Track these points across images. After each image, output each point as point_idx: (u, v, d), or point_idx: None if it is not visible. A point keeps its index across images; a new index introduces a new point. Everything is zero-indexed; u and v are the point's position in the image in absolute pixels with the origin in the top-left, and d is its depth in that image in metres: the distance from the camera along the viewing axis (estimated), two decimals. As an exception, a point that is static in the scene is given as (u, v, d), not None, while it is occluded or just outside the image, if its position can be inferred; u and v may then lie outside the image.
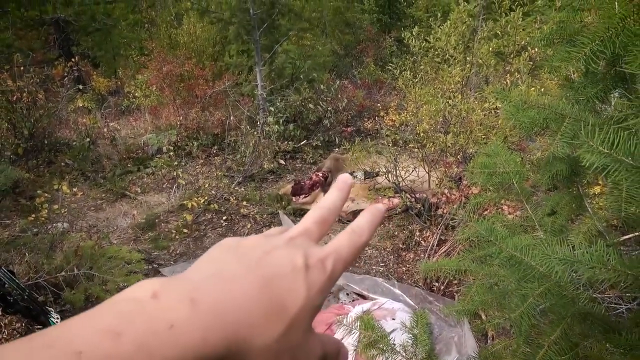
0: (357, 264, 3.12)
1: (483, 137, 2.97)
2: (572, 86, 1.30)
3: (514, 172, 1.27)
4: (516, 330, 1.29)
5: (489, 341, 2.35)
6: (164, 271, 2.86)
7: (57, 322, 2.07)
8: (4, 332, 2.16)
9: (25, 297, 2.05)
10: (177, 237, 3.39)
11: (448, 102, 3.10)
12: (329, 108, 5.62)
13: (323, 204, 0.37)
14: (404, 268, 2.99)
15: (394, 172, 3.43)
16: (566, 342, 0.87)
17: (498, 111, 3.08)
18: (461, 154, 3.29)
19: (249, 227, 3.62)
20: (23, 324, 2.19)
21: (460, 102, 3.02)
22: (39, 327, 2.13)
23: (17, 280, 2.08)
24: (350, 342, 2.19)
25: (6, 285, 2.04)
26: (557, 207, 1.32)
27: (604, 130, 0.63)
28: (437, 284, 2.76)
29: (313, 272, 0.31)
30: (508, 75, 3.22)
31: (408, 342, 1.16)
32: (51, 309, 2.16)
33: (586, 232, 1.11)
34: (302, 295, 0.29)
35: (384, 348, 1.12)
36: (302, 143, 5.26)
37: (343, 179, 0.38)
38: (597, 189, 1.83)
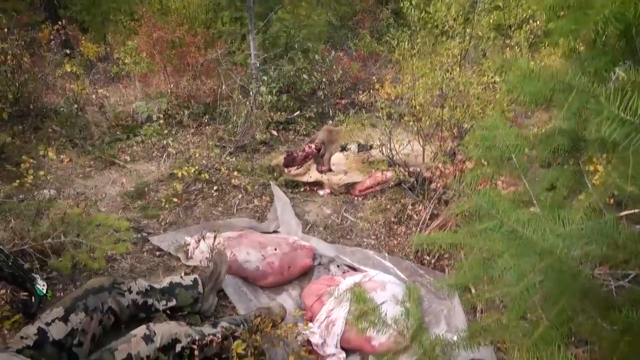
0: (348, 237, 3.11)
1: (480, 111, 2.92)
2: (579, 58, 1.25)
3: (513, 145, 1.23)
4: (511, 306, 1.28)
5: (477, 315, 2.37)
6: (153, 240, 2.83)
7: (43, 289, 2.05)
8: (-11, 298, 2.13)
9: (10, 263, 2.01)
10: (167, 206, 3.34)
11: (445, 75, 3.04)
12: (324, 79, 5.52)
13: None
14: (395, 241, 2.98)
15: (388, 145, 3.38)
16: (563, 318, 0.85)
17: (496, 85, 3.04)
18: (457, 129, 3.25)
19: (240, 197, 3.58)
20: (8, 291, 2.15)
21: (458, 75, 2.96)
22: (24, 294, 2.10)
23: (1, 247, 2.04)
24: (341, 313, 2.19)
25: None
26: (557, 182, 1.29)
27: (624, 96, 0.58)
28: (428, 257, 2.77)
29: None
30: (508, 49, 3.16)
31: (399, 314, 1.15)
32: (37, 276, 2.13)
33: (586, 207, 1.09)
34: None
35: (375, 320, 1.11)
36: (295, 114, 5.18)
37: None
38: (599, 168, 1.80)
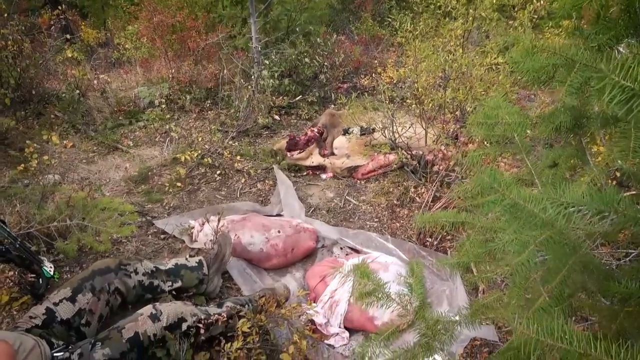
0: (351, 220, 3.13)
1: (482, 92, 2.91)
2: (582, 34, 1.25)
3: (516, 123, 1.23)
4: (512, 282, 1.30)
5: (479, 294, 2.39)
6: (158, 223, 2.85)
7: (50, 270, 2.07)
8: (-3, 280, 2.16)
9: (18, 246, 2.04)
10: (171, 190, 3.36)
11: (448, 57, 3.02)
12: (325, 63, 5.49)
13: None
14: (397, 224, 3.00)
15: (391, 129, 3.38)
16: (563, 292, 0.86)
17: (499, 67, 3.02)
18: (459, 111, 3.24)
19: (243, 181, 3.59)
20: (16, 272, 2.19)
21: (461, 56, 2.94)
22: (32, 276, 2.13)
23: (8, 230, 2.06)
24: (344, 294, 2.22)
25: (-5, 235, 2.02)
26: (559, 159, 1.29)
27: (624, 66, 0.59)
28: (430, 239, 2.78)
29: None
30: (511, 30, 3.13)
31: (403, 290, 1.17)
32: (44, 258, 2.16)
33: (589, 183, 1.10)
34: None
35: (380, 296, 1.12)
36: (297, 98, 5.17)
37: None
38: (601, 149, 1.80)
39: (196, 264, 2.23)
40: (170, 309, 1.77)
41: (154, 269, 2.09)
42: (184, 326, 1.77)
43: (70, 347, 1.60)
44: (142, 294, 2.03)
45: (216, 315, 1.87)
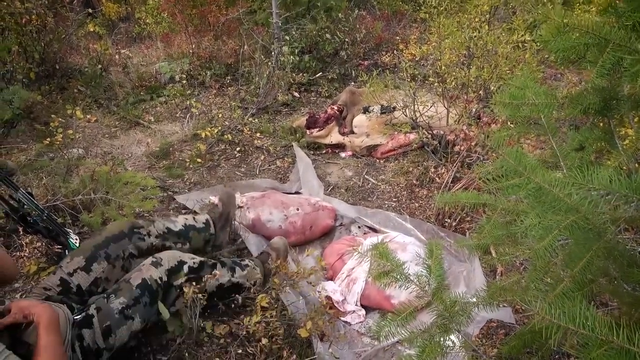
0: (369, 199, 3.13)
1: (508, 71, 2.84)
2: (616, 12, 1.19)
3: (543, 104, 1.20)
4: (532, 266, 1.29)
5: (497, 277, 2.38)
6: (179, 198, 2.90)
7: (76, 242, 2.13)
8: (25, 250, 2.24)
9: (45, 217, 2.10)
10: (191, 166, 3.40)
11: (473, 34, 2.94)
12: (346, 39, 5.40)
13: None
14: (416, 204, 2.99)
15: (412, 107, 3.33)
16: (585, 277, 0.85)
17: (526, 45, 2.93)
18: (483, 90, 3.17)
19: (262, 158, 3.61)
20: (43, 244, 2.26)
21: (487, 33, 2.86)
22: (58, 247, 2.20)
23: (36, 202, 2.12)
24: (361, 272, 2.24)
25: (25, 206, 2.07)
26: (586, 142, 1.26)
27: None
28: (449, 220, 2.77)
29: None
30: (540, 5, 3.02)
31: (422, 271, 1.17)
32: (70, 230, 2.22)
33: (616, 167, 1.07)
34: None
35: (398, 277, 1.13)
36: (317, 75, 5.12)
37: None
38: (630, 132, 1.75)
39: (203, 225, 2.24)
40: (168, 255, 1.83)
41: (166, 230, 2.08)
42: (185, 268, 1.81)
43: (85, 307, 1.64)
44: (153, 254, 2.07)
45: (213, 260, 1.94)
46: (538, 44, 2.86)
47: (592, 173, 0.82)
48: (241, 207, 2.64)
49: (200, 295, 1.72)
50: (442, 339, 1.15)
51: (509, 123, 2.76)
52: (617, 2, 1.25)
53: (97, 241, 1.85)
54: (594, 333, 0.58)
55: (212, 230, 2.26)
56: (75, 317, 1.56)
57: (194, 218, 2.26)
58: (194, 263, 1.86)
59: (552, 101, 1.23)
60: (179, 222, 2.17)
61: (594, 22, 0.90)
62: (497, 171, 1.15)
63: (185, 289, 1.71)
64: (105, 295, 1.65)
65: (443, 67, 3.15)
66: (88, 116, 4.07)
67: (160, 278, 1.73)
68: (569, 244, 1.09)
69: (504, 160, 0.89)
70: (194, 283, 1.75)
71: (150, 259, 1.79)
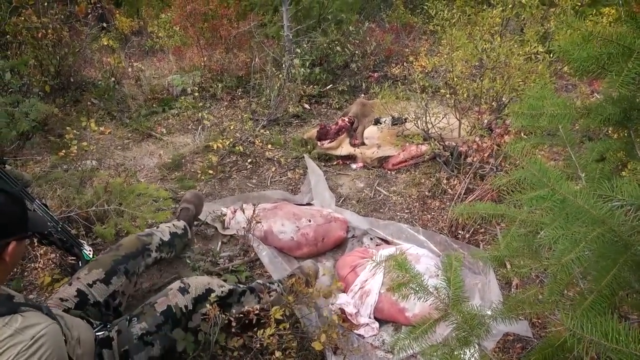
0: (381, 210, 3.11)
1: (521, 83, 2.83)
2: (636, 22, 1.19)
3: (562, 114, 1.19)
4: (552, 279, 1.26)
5: (512, 289, 2.35)
6: (191, 210, 2.90)
7: (89, 254, 2.14)
8: (40, 261, 2.25)
9: (59, 229, 2.10)
10: (203, 177, 3.42)
11: (486, 45, 2.93)
12: (356, 52, 5.43)
13: None
14: (429, 215, 2.96)
15: (424, 119, 3.33)
16: (612, 291, 0.83)
17: (538, 56, 2.92)
18: (495, 102, 3.16)
19: (273, 170, 3.61)
20: (57, 255, 2.27)
21: (499, 45, 2.86)
22: (72, 258, 2.21)
23: (50, 213, 2.13)
24: (375, 284, 2.21)
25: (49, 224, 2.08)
26: (606, 153, 1.24)
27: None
28: (462, 232, 2.74)
29: None
30: (552, 17, 3.02)
31: (441, 283, 1.15)
32: (84, 241, 2.23)
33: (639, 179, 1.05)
34: None
35: (416, 288, 1.11)
36: (327, 87, 5.14)
37: None
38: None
39: (183, 231, 2.34)
40: (197, 282, 1.81)
41: (160, 242, 2.15)
42: (213, 296, 1.79)
43: (108, 325, 1.65)
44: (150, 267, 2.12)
45: (243, 287, 1.91)
46: (552, 56, 2.85)
47: (618, 184, 0.81)
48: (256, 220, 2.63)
49: (222, 316, 1.71)
50: (461, 352, 1.13)
51: (522, 134, 2.75)
52: (635, 12, 1.24)
53: (116, 256, 1.88)
54: (627, 348, 0.57)
55: (189, 235, 2.39)
56: (97, 334, 1.56)
57: (173, 225, 2.35)
58: (222, 292, 1.82)
59: (571, 112, 1.22)
60: (166, 232, 2.24)
61: (618, 32, 0.89)
62: (519, 181, 1.13)
63: (210, 313, 1.69)
64: (127, 317, 1.65)
65: (455, 79, 3.15)
66: (101, 128, 4.12)
67: (186, 307, 1.70)
68: (587, 256, 1.07)
69: (526, 170, 0.88)
70: (219, 310, 1.71)
71: (178, 284, 1.76)
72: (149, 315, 1.65)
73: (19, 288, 2.22)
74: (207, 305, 1.71)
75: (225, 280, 2.09)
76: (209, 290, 1.79)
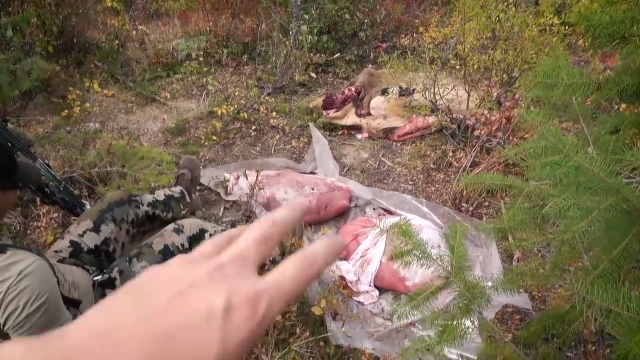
0: (385, 181, 3.09)
1: (533, 54, 2.75)
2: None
3: (578, 84, 1.15)
4: (555, 251, 1.25)
5: (514, 262, 2.35)
6: (194, 175, 2.89)
7: (91, 214, 2.13)
8: (42, 220, 2.25)
9: (62, 188, 2.10)
10: (206, 143, 3.39)
11: (499, 16, 2.85)
12: (366, 20, 5.31)
13: (268, 218, 0.31)
14: (433, 188, 2.95)
15: (432, 90, 3.27)
16: (623, 262, 0.82)
17: (553, 28, 2.83)
18: (506, 75, 3.09)
19: (277, 138, 3.58)
20: (60, 215, 2.27)
21: (514, 15, 2.77)
22: (74, 218, 2.21)
23: (53, 173, 2.13)
24: (376, 253, 2.22)
25: (43, 177, 2.08)
26: (621, 125, 1.21)
27: None
28: (465, 205, 2.73)
29: (236, 317, 0.25)
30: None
31: (444, 251, 1.14)
32: (86, 202, 2.23)
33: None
34: (214, 351, 0.23)
35: (420, 255, 1.10)
36: (335, 56, 5.05)
37: (300, 202, 0.34)
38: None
39: (179, 195, 2.33)
40: (190, 222, 1.88)
41: (153, 200, 2.15)
42: (207, 236, 1.84)
43: (104, 270, 1.67)
44: (144, 222, 2.10)
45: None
46: (567, 28, 2.77)
47: (635, 153, 0.78)
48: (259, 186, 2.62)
49: None
50: (462, 320, 1.13)
51: (531, 107, 2.70)
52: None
53: (101, 207, 1.90)
54: (639, 316, 0.55)
55: (188, 199, 2.37)
56: (95, 278, 1.58)
57: (169, 189, 2.35)
58: (214, 231, 1.89)
59: (588, 81, 1.18)
60: (161, 194, 2.25)
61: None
62: (527, 151, 1.11)
63: None
64: (127, 258, 1.69)
65: (466, 50, 3.07)
66: (105, 90, 4.07)
67: (182, 245, 1.77)
68: (596, 228, 1.05)
69: (541, 137, 0.85)
70: None
71: (172, 226, 1.83)
72: (148, 254, 1.70)
73: (22, 247, 2.23)
74: None
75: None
76: (203, 230, 1.86)
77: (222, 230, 1.93)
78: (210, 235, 1.87)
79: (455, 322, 1.12)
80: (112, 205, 1.92)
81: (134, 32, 5.32)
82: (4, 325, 1.17)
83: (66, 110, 2.94)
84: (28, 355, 0.21)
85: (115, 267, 1.67)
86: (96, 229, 1.81)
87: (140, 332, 0.23)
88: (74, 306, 1.43)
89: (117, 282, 1.61)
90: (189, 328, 0.23)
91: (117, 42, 4.94)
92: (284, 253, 2.08)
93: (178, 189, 2.39)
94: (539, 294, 2.15)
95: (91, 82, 3.17)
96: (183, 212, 2.30)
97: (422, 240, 1.12)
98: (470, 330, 1.20)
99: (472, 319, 1.22)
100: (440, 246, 2.22)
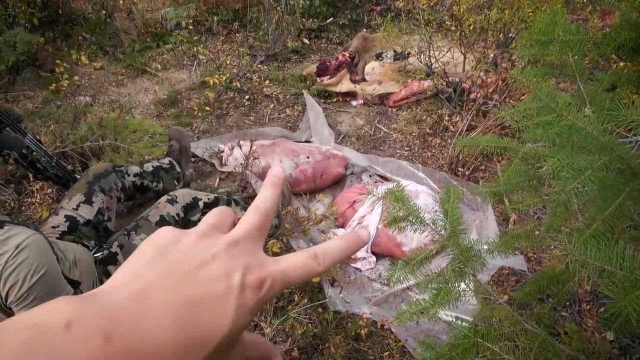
0: (381, 148, 3.07)
1: (531, 13, 2.68)
2: None
3: (575, 40, 1.11)
4: (550, 212, 1.25)
5: (510, 225, 2.36)
6: (188, 147, 2.86)
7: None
8: (36, 196, 2.24)
9: (54, 164, 2.08)
10: (200, 114, 3.35)
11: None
12: (359, -18, 5.16)
13: (261, 207, 0.33)
14: (429, 153, 2.93)
15: (427, 53, 3.20)
16: (616, 221, 0.81)
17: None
18: (503, 35, 3.02)
19: (271, 107, 3.53)
20: (54, 190, 2.26)
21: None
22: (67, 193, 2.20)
23: (44, 148, 2.10)
24: (372, 219, 2.22)
25: (34, 152, 2.06)
26: (618, 82, 1.18)
27: None
28: (462, 169, 2.72)
29: (247, 293, 0.28)
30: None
31: (439, 216, 1.13)
32: (79, 177, 2.21)
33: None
34: (228, 321, 0.26)
35: (414, 220, 1.10)
36: (328, 21, 4.93)
37: (275, 174, 0.36)
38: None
39: (168, 165, 2.31)
40: (183, 192, 1.91)
41: (140, 171, 2.14)
42: (200, 204, 1.88)
43: (103, 245, 1.68)
44: (133, 194, 2.10)
45: (227, 198, 2.02)
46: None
47: (630, 111, 0.76)
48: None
49: None
50: (456, 283, 1.13)
51: (528, 68, 2.65)
52: None
53: (87, 179, 1.90)
54: (632, 274, 0.55)
55: (178, 169, 2.35)
56: (96, 255, 1.59)
57: (157, 160, 2.34)
58: (208, 199, 1.93)
59: (585, 38, 1.15)
60: (149, 166, 2.24)
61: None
62: (522, 112, 1.08)
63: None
64: (125, 232, 1.70)
65: (461, 10, 2.99)
66: (93, 63, 3.99)
67: (178, 214, 1.79)
68: (590, 188, 1.04)
69: (534, 96, 0.83)
70: None
71: (165, 197, 1.86)
72: (146, 227, 1.73)
73: (19, 222, 2.23)
74: (198, 214, 1.79)
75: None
76: (196, 199, 1.89)
77: (215, 198, 1.96)
78: (205, 203, 1.91)
79: (449, 285, 1.13)
80: (98, 176, 1.92)
81: (121, 2, 5.17)
82: (6, 300, 1.18)
83: (54, 84, 2.88)
84: (80, 315, 0.22)
85: (114, 241, 1.69)
86: (89, 201, 1.81)
87: (170, 298, 0.25)
88: (74, 287, 1.43)
89: (119, 257, 1.63)
90: (210, 299, 0.26)
91: (104, 12, 4.80)
92: (280, 220, 2.08)
93: (167, 159, 2.38)
94: (535, 256, 2.16)
95: (78, 54, 3.09)
96: (176, 184, 2.29)
97: (416, 206, 1.11)
98: (464, 293, 1.21)
99: (466, 282, 1.22)
100: (436, 211, 2.22)
